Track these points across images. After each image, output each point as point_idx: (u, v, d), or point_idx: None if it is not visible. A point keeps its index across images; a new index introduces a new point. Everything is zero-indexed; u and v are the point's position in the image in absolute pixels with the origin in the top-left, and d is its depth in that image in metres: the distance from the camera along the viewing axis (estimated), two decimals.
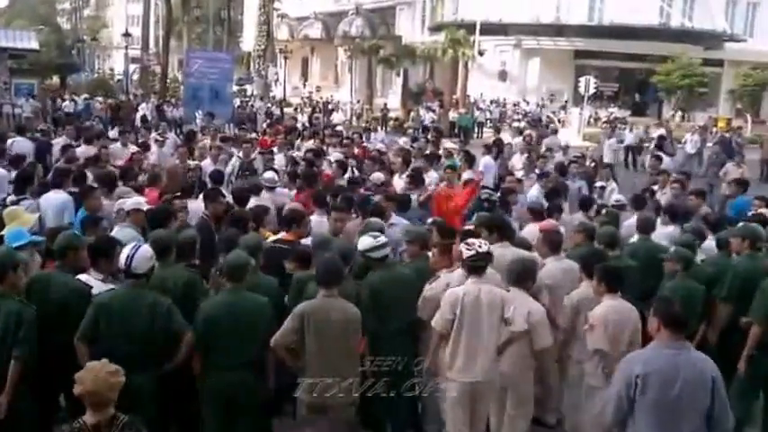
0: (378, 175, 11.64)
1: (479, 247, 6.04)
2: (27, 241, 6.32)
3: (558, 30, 47.43)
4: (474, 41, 43.61)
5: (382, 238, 6.59)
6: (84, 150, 13.34)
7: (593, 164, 15.69)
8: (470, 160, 13.66)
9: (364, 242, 6.52)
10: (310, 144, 16.26)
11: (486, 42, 46.47)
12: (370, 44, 47.72)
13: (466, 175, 12.19)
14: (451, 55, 42.82)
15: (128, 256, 5.55)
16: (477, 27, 43.88)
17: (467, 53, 42.89)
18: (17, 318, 5.31)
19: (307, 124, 27.57)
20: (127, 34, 46.07)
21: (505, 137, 21.47)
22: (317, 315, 5.61)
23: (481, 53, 45.63)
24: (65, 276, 5.93)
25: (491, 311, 5.87)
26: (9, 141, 14.37)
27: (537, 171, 13.19)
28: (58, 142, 14.68)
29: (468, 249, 6.04)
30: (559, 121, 43.10)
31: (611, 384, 4.94)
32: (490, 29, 45.68)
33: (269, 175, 10.91)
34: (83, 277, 6.02)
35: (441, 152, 15.50)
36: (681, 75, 43.43)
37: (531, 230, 8.35)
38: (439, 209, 10.14)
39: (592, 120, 40.17)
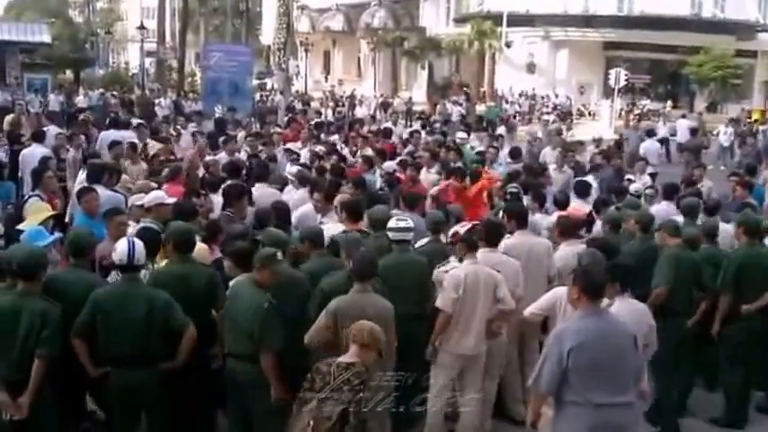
0: (389, 164, 11.71)
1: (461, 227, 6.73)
2: (51, 240, 6.38)
3: (586, 20, 46.32)
4: (501, 33, 42.98)
5: (407, 223, 6.86)
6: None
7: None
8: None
9: (390, 221, 6.89)
10: (335, 139, 16.24)
11: (514, 34, 45.52)
12: (394, 36, 47.33)
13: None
14: (478, 47, 42.19)
15: (128, 250, 5.46)
16: (504, 18, 43.03)
17: (493, 45, 42.49)
18: (42, 317, 5.24)
19: (330, 119, 26.74)
20: (142, 27, 44.94)
21: (535, 130, 21.98)
22: (352, 311, 5.56)
23: (508, 45, 44.88)
24: (84, 275, 5.90)
25: (486, 291, 6.26)
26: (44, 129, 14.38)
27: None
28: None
29: (461, 227, 6.76)
30: (589, 113, 42.11)
31: (544, 357, 5.06)
32: (517, 20, 44.76)
33: (292, 169, 10.67)
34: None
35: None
36: (714, 66, 42.24)
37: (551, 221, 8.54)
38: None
39: (623, 112, 39.05)
